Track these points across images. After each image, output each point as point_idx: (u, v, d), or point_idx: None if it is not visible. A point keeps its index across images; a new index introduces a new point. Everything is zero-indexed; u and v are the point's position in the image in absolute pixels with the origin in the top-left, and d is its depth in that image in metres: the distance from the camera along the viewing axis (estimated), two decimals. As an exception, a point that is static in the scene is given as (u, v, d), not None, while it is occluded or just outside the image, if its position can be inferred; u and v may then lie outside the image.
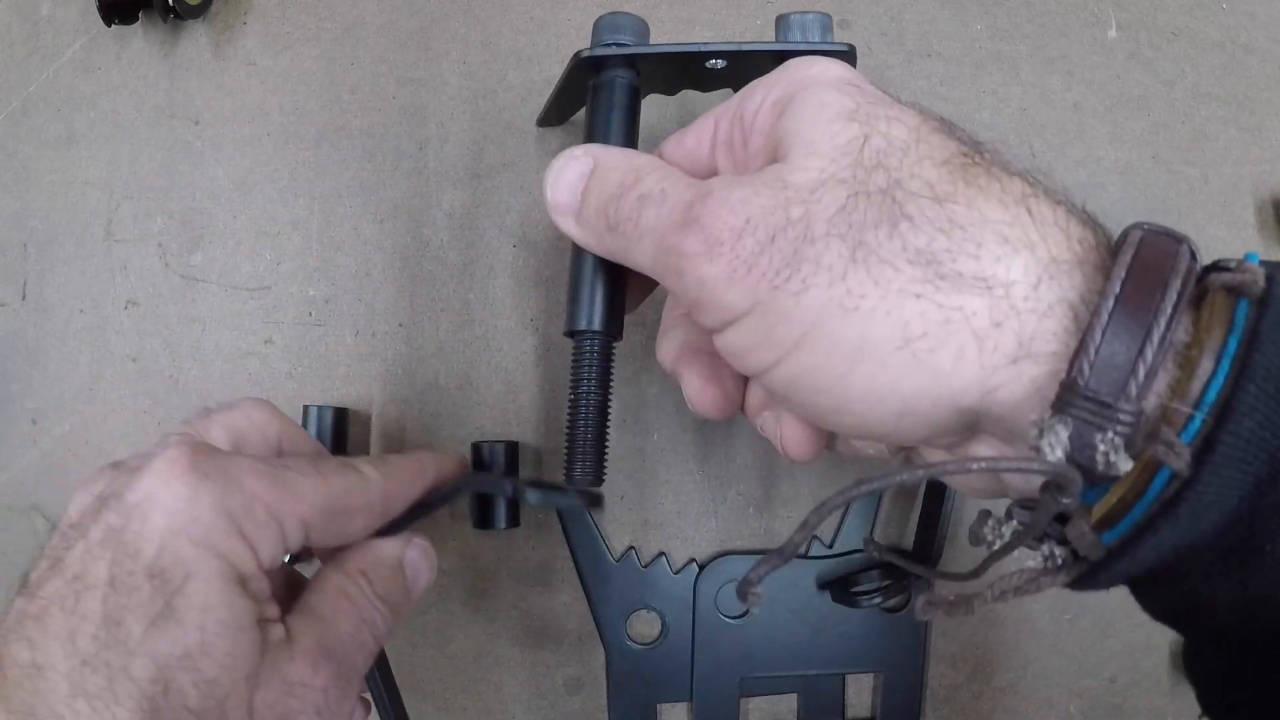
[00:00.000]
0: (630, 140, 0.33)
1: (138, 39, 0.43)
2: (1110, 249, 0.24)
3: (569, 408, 0.33)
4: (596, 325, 0.32)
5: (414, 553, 0.31)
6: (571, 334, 0.32)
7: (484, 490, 0.39)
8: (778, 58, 0.33)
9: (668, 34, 0.43)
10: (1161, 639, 0.42)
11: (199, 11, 0.42)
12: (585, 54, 0.33)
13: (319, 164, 0.42)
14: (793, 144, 0.25)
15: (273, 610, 0.27)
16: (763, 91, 0.28)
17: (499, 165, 0.42)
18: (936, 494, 0.40)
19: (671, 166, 0.29)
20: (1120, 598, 0.43)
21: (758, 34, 0.43)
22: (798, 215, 0.24)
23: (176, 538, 0.24)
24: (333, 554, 0.30)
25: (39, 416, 0.42)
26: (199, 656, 0.24)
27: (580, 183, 0.30)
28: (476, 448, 0.40)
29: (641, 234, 0.27)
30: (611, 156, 0.30)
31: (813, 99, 0.26)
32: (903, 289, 0.23)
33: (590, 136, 0.33)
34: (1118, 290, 0.22)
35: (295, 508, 0.27)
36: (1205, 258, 0.44)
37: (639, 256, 0.27)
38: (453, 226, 0.42)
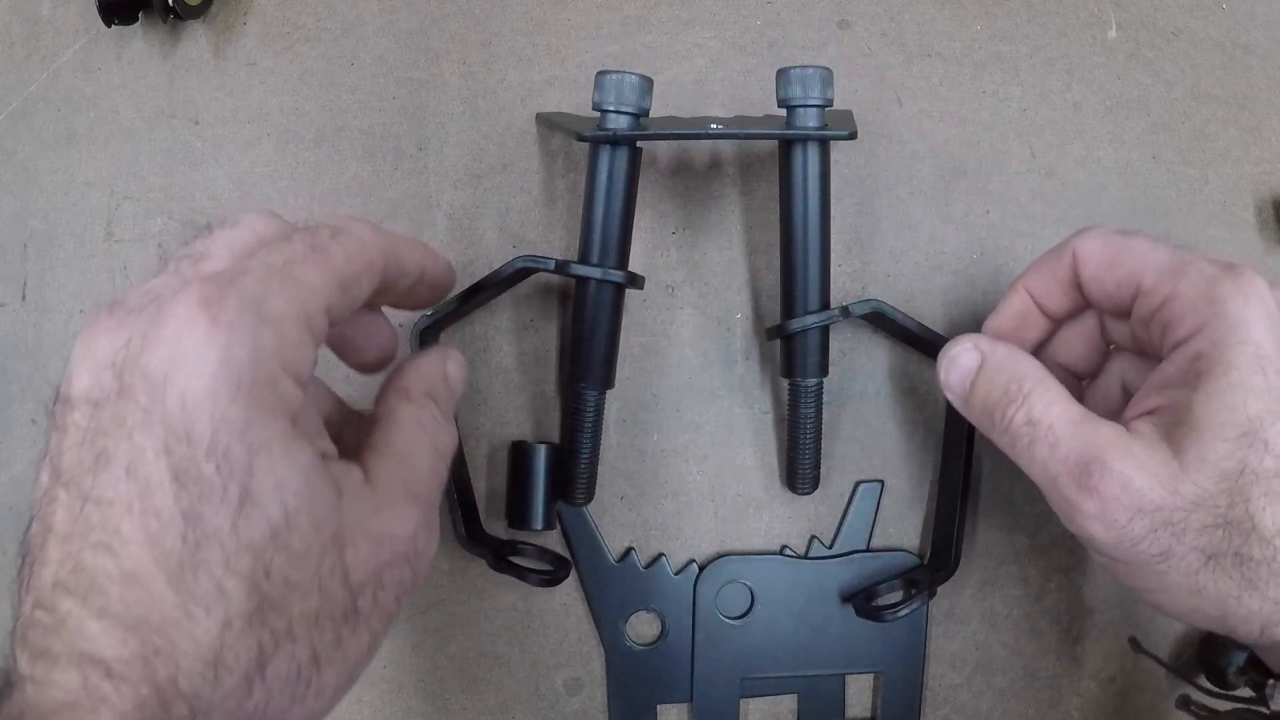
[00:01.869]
0: (629, 208, 0.37)
1: (138, 39, 0.43)
2: None
3: (568, 444, 0.39)
4: (596, 385, 0.38)
5: (454, 366, 0.32)
6: (572, 384, 0.38)
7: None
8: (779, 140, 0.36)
9: (667, 35, 0.43)
10: (1161, 639, 0.42)
11: (199, 12, 0.42)
12: (587, 135, 0.35)
13: (319, 164, 0.42)
14: (1203, 416, 0.28)
15: (328, 445, 0.26)
16: (1174, 292, 0.30)
17: (499, 165, 0.42)
18: (952, 496, 0.40)
19: (1051, 382, 0.32)
20: (1120, 597, 0.43)
21: (757, 35, 0.43)
22: (1179, 520, 0.28)
23: (222, 405, 0.22)
24: (365, 362, 0.31)
25: (39, 416, 0.42)
26: (286, 533, 0.23)
27: (969, 375, 0.33)
28: (517, 446, 0.40)
29: (1031, 461, 0.31)
30: (997, 356, 0.33)
31: (1241, 375, 0.28)
32: (1231, 590, 0.29)
33: (590, 209, 0.37)
34: None
35: (316, 303, 0.25)
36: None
37: (1025, 467, 0.31)
38: (453, 226, 0.42)
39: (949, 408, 0.41)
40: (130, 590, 0.22)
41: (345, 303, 0.27)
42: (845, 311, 0.38)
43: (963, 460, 0.40)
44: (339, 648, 0.25)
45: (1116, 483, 0.28)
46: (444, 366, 0.31)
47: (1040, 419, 0.31)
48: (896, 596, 0.40)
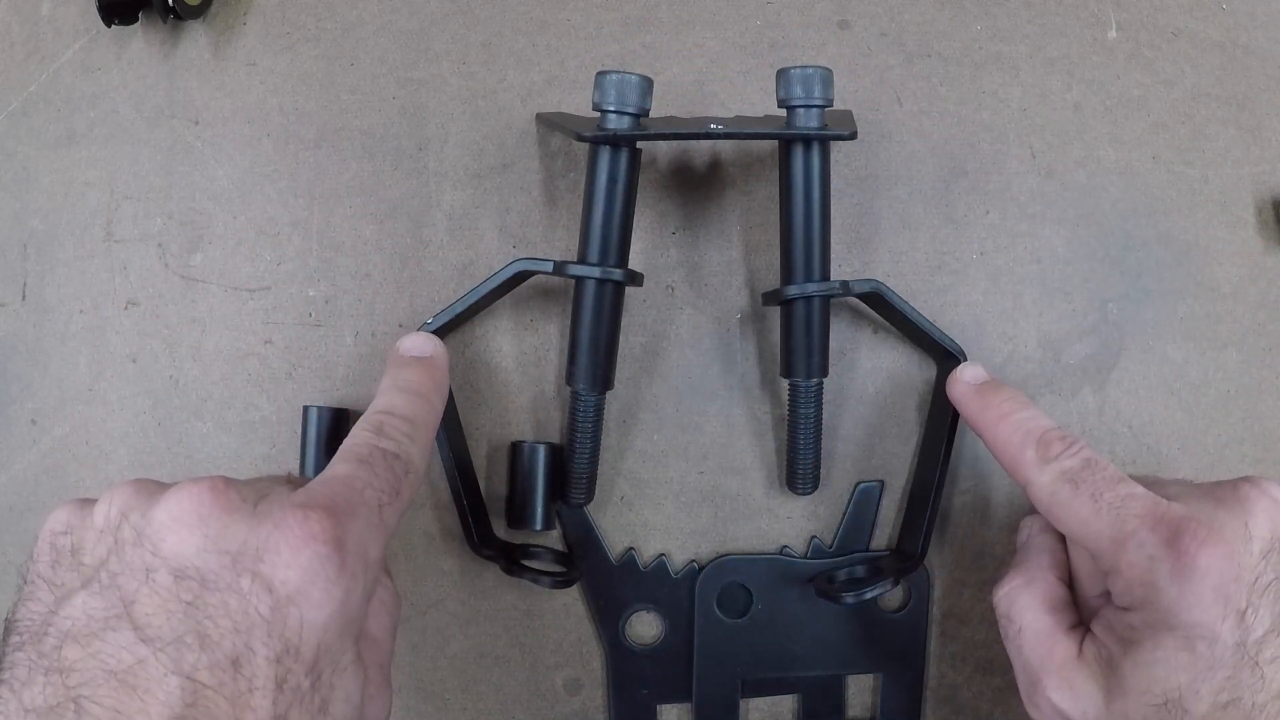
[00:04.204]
0: (629, 208, 0.37)
1: (138, 39, 0.43)
2: None
3: (568, 445, 0.40)
4: (596, 386, 0.38)
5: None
6: (571, 384, 0.38)
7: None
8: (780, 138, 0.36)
9: (667, 35, 0.43)
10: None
11: (199, 12, 0.42)
12: (587, 135, 0.35)
13: (319, 164, 0.42)
14: (1129, 679, 0.30)
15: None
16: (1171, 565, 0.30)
17: (499, 165, 0.42)
18: (925, 487, 0.40)
19: (1041, 582, 0.35)
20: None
21: (757, 35, 0.43)
22: None
23: (330, 636, 0.26)
24: None
25: (39, 416, 0.42)
26: None
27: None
28: (516, 446, 0.40)
29: (1008, 646, 0.34)
30: (1032, 527, 0.37)
31: (1165, 654, 0.29)
32: None
33: (590, 209, 0.37)
34: None
35: (388, 539, 0.29)
36: (1205, 258, 0.45)
37: (1008, 650, 0.35)
38: (453, 226, 0.42)
39: (933, 401, 0.41)
40: None
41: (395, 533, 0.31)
42: (845, 287, 0.37)
43: (940, 452, 0.40)
44: None
45: (1053, 708, 0.32)
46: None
47: (1015, 619, 0.34)
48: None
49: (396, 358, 0.36)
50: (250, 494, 0.28)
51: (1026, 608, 0.34)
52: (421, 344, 0.36)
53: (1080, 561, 0.35)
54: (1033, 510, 0.35)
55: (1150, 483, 0.33)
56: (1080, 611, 0.34)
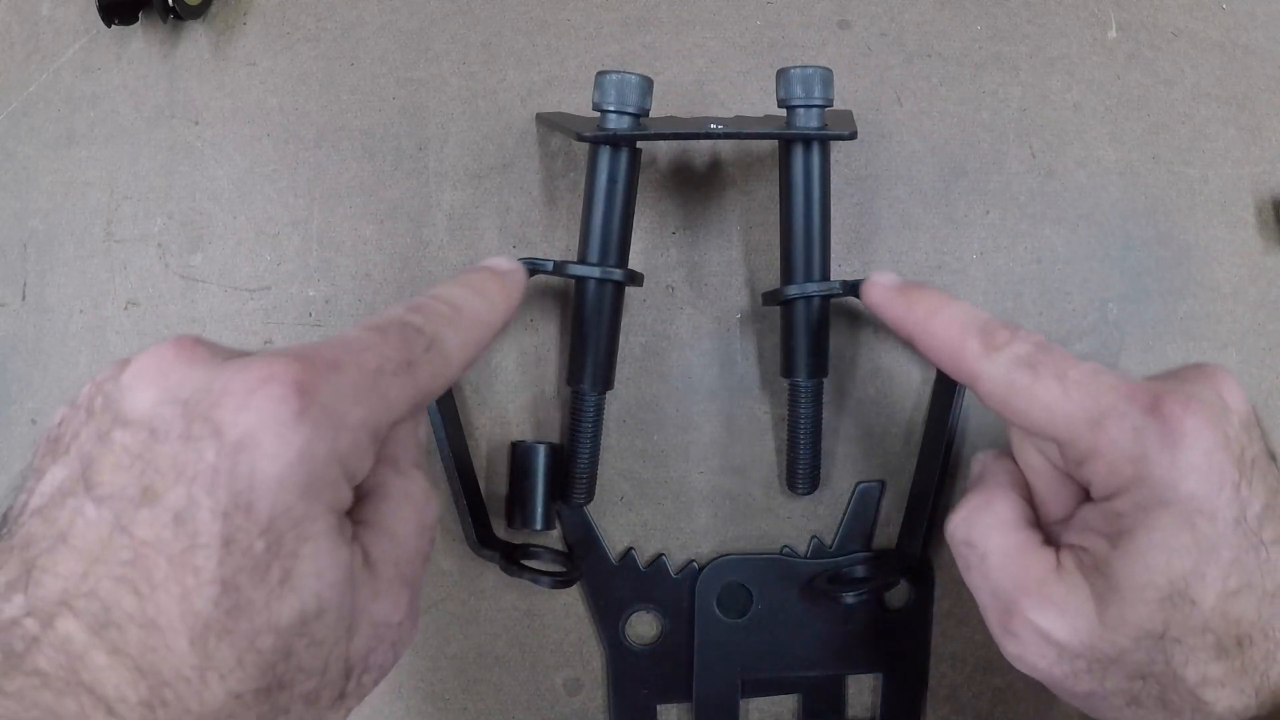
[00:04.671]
0: (629, 208, 0.37)
1: (138, 39, 0.43)
2: None
3: (568, 445, 0.39)
4: (596, 386, 0.38)
5: (420, 426, 0.31)
6: (572, 384, 0.38)
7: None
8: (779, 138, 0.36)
9: (667, 35, 0.43)
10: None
11: (199, 12, 0.42)
12: (587, 135, 0.35)
13: (319, 164, 0.42)
14: (1123, 578, 0.27)
15: (349, 526, 0.26)
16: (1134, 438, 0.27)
17: (499, 165, 0.42)
18: (925, 487, 0.40)
19: (1002, 500, 0.31)
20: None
21: (757, 35, 0.43)
22: (1098, 669, 0.28)
23: (288, 494, 0.23)
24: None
25: (39, 416, 0.42)
26: (314, 621, 0.24)
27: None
28: (516, 446, 0.40)
29: (967, 582, 0.31)
30: (977, 463, 0.34)
31: (1163, 536, 0.27)
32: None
33: (590, 209, 0.37)
34: None
35: (389, 418, 0.26)
36: (1205, 258, 0.45)
37: (970, 583, 0.31)
38: (453, 226, 0.42)
39: (932, 401, 0.41)
40: (150, 636, 0.22)
41: (412, 418, 0.28)
42: (845, 287, 0.38)
43: (940, 452, 0.40)
44: None
45: (1035, 632, 0.28)
46: (418, 434, 0.31)
47: (977, 543, 0.30)
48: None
49: (471, 266, 0.33)
50: (225, 351, 0.25)
51: (990, 528, 0.30)
52: (503, 260, 0.33)
53: (1040, 479, 0.32)
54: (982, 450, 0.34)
55: None
56: (1046, 535, 0.31)
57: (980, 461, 0.34)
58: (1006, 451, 0.33)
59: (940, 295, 0.32)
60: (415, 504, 0.28)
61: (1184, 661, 0.27)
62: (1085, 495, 0.30)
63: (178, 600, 0.22)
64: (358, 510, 0.27)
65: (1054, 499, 0.31)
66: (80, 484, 0.23)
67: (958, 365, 0.30)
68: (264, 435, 0.23)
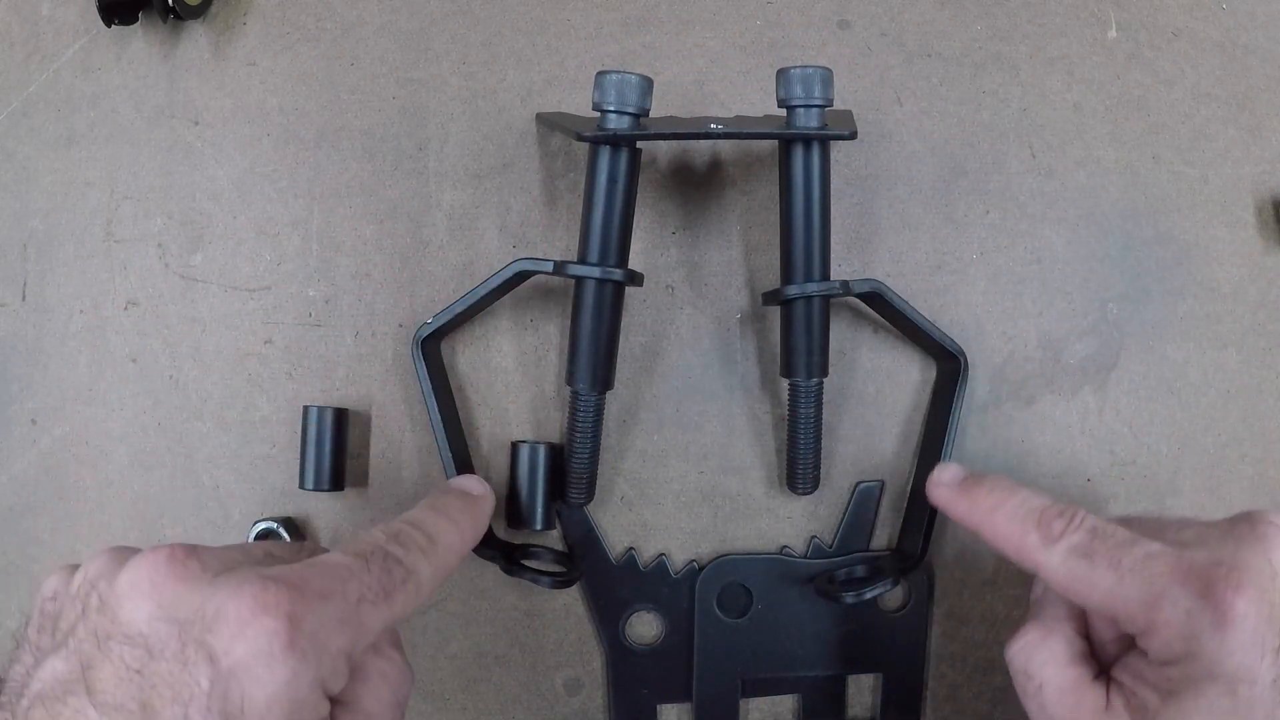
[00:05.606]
0: (629, 208, 0.37)
1: (138, 39, 0.43)
2: None
3: (568, 445, 0.39)
4: (596, 386, 0.38)
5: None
6: (571, 384, 0.38)
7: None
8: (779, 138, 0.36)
9: (667, 35, 0.43)
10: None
11: (199, 12, 0.42)
12: (587, 135, 0.35)
13: (319, 164, 0.42)
14: None
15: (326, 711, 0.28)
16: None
17: (499, 165, 0.42)
18: (924, 491, 0.40)
19: (1058, 635, 0.34)
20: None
21: (757, 35, 0.43)
22: None
23: (274, 716, 0.25)
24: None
25: (39, 416, 0.42)
26: None
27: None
28: (517, 446, 0.40)
29: (1026, 705, 0.33)
30: (1037, 592, 0.36)
31: (1208, 702, 0.29)
32: None
33: (590, 209, 0.37)
34: None
35: (365, 641, 0.28)
36: (1205, 258, 0.45)
37: (1026, 708, 0.34)
38: (453, 226, 0.42)
39: (932, 401, 0.41)
40: None
41: (384, 638, 0.31)
42: (845, 287, 0.38)
43: (940, 453, 0.40)
44: None
45: None
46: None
47: (1035, 675, 0.33)
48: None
49: (443, 486, 0.36)
50: (215, 563, 0.27)
51: (1047, 662, 0.33)
52: (472, 483, 0.36)
53: (1098, 616, 0.34)
54: None
55: (1155, 528, 0.33)
56: (1098, 661, 0.34)
57: (1041, 584, 0.36)
58: None
59: (1000, 489, 0.34)
60: (390, 684, 0.31)
61: None
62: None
63: None
64: (339, 692, 0.29)
65: (1109, 630, 0.34)
66: (81, 686, 0.25)
67: (1021, 557, 0.33)
68: (256, 665, 0.25)
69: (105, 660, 0.25)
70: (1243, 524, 0.31)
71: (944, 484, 0.36)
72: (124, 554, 0.28)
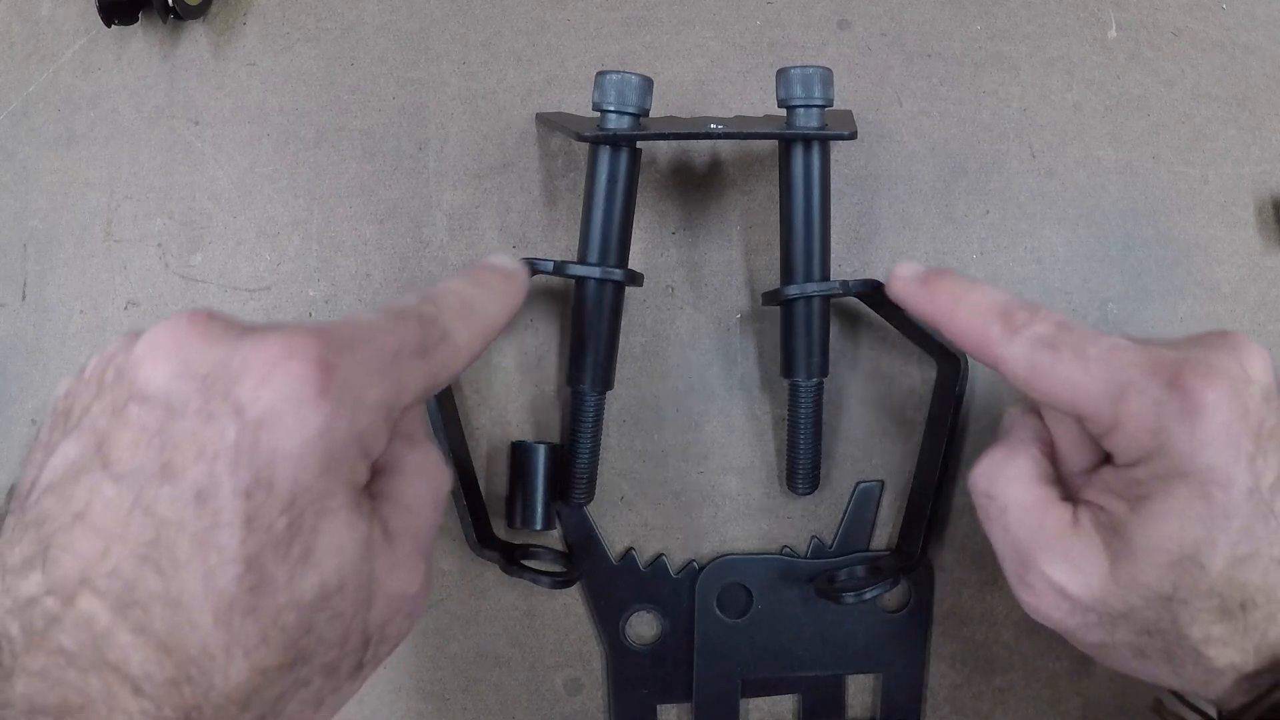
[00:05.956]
0: (629, 208, 0.37)
1: (138, 39, 0.43)
2: None
3: (568, 445, 0.39)
4: (596, 386, 0.38)
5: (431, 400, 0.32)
6: (571, 384, 0.38)
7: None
8: (779, 138, 0.36)
9: (667, 35, 0.43)
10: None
11: (199, 12, 0.42)
12: (587, 135, 0.36)
13: (319, 164, 0.42)
14: (1137, 540, 0.28)
15: (366, 501, 0.26)
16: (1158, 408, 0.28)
17: (499, 165, 0.42)
18: (926, 486, 0.40)
19: (1023, 453, 0.32)
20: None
21: (757, 35, 0.43)
22: (1108, 622, 0.29)
23: (308, 471, 0.23)
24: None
25: (39, 416, 0.42)
26: (335, 596, 0.24)
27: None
28: (516, 446, 0.40)
29: (988, 533, 0.32)
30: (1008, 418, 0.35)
31: (1179, 504, 0.28)
32: (1163, 672, 0.30)
33: (590, 209, 0.37)
34: None
35: (404, 400, 0.26)
36: (1205, 258, 0.45)
37: (990, 535, 0.32)
38: (453, 226, 0.42)
39: (933, 401, 0.41)
40: (174, 614, 0.22)
41: (423, 401, 0.29)
42: (845, 286, 0.38)
43: (940, 453, 0.40)
44: (337, 692, 0.26)
45: (1050, 585, 0.30)
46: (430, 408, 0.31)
47: (998, 496, 0.32)
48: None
49: (476, 263, 0.34)
50: (241, 325, 0.25)
51: (1011, 480, 0.31)
52: (507, 260, 0.33)
53: (1064, 435, 0.32)
54: (1015, 401, 0.34)
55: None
56: (1066, 489, 0.32)
57: (1010, 416, 0.35)
58: (1035, 408, 0.34)
59: (960, 282, 0.33)
60: (429, 476, 0.29)
61: (1189, 621, 0.28)
62: (1107, 454, 0.31)
63: (201, 579, 0.22)
64: (374, 484, 0.27)
65: (1076, 454, 0.32)
66: (96, 460, 0.23)
67: (983, 350, 0.31)
68: (285, 412, 0.23)
69: (122, 428, 0.23)
70: (1214, 335, 0.30)
71: (904, 277, 0.34)
72: (141, 331, 0.25)
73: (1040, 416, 0.34)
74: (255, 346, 0.23)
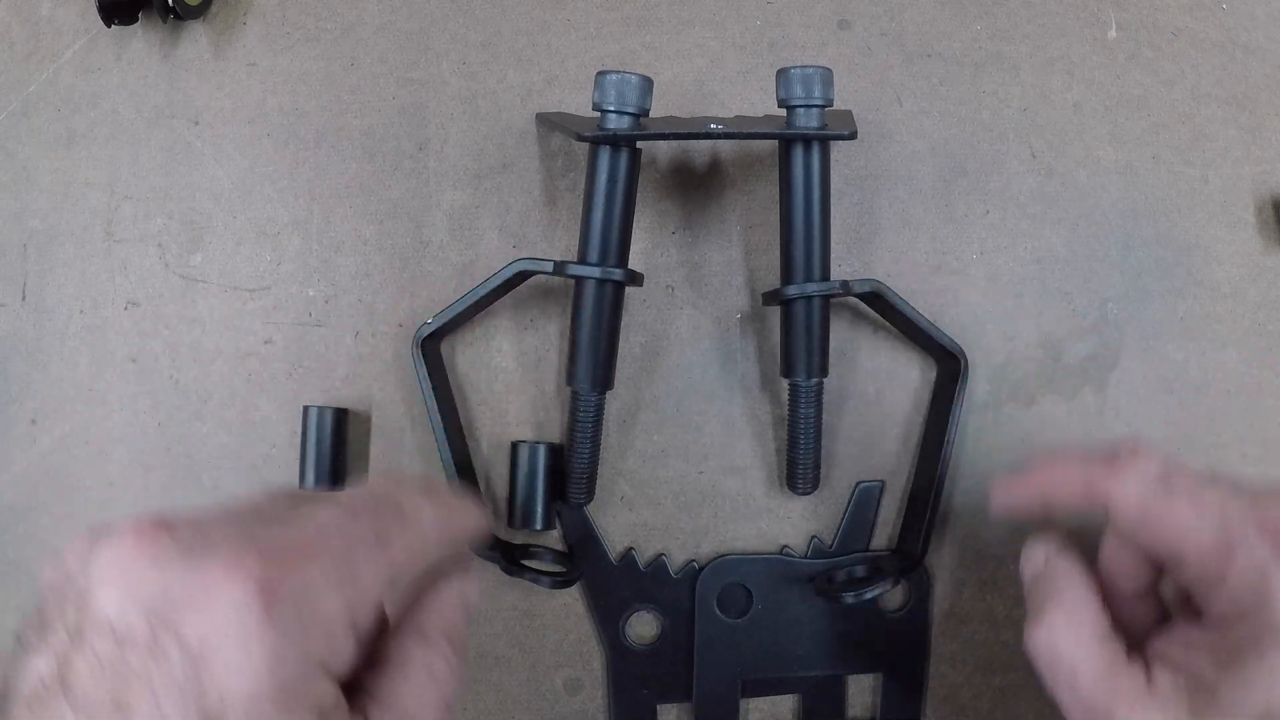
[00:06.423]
0: (629, 208, 0.37)
1: (138, 39, 0.43)
2: None
3: (568, 445, 0.40)
4: (596, 386, 0.38)
5: (470, 588, 0.30)
6: (571, 384, 0.38)
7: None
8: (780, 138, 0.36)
9: (667, 35, 0.43)
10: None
11: (199, 12, 0.42)
12: (587, 135, 0.36)
13: (319, 164, 0.42)
14: (1228, 701, 0.26)
15: (343, 704, 0.25)
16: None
17: (499, 165, 0.42)
18: (926, 488, 0.40)
19: (1086, 608, 0.31)
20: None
21: (757, 35, 0.43)
22: None
23: (263, 705, 0.22)
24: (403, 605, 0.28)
25: (39, 416, 0.42)
26: None
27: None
28: (517, 446, 0.40)
29: (1052, 691, 0.30)
30: (1043, 565, 0.33)
31: (1273, 664, 0.27)
32: None
33: (590, 209, 0.37)
34: None
35: (366, 600, 0.25)
36: (1205, 258, 0.45)
37: (1048, 687, 0.31)
38: (453, 226, 0.42)
39: (932, 401, 0.41)
40: None
41: (390, 596, 0.27)
42: (845, 287, 0.38)
43: (940, 453, 0.40)
44: None
45: None
46: (465, 599, 0.29)
47: (1065, 658, 0.30)
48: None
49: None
50: (190, 533, 0.24)
51: (1078, 643, 0.30)
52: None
53: (1130, 588, 0.32)
54: (1035, 537, 0.33)
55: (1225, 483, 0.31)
56: (1124, 636, 0.32)
57: (1040, 558, 0.33)
58: (1066, 548, 0.33)
59: (1045, 454, 0.33)
60: (437, 680, 0.27)
61: None
62: (1166, 610, 0.31)
63: None
64: (368, 678, 0.26)
65: (1139, 608, 0.32)
66: (59, 685, 0.22)
67: (1088, 493, 0.31)
68: (226, 645, 0.22)
69: (80, 656, 0.22)
70: None
71: (1001, 487, 0.34)
72: (98, 535, 0.24)
73: (1079, 561, 0.33)
74: (195, 570, 0.22)
